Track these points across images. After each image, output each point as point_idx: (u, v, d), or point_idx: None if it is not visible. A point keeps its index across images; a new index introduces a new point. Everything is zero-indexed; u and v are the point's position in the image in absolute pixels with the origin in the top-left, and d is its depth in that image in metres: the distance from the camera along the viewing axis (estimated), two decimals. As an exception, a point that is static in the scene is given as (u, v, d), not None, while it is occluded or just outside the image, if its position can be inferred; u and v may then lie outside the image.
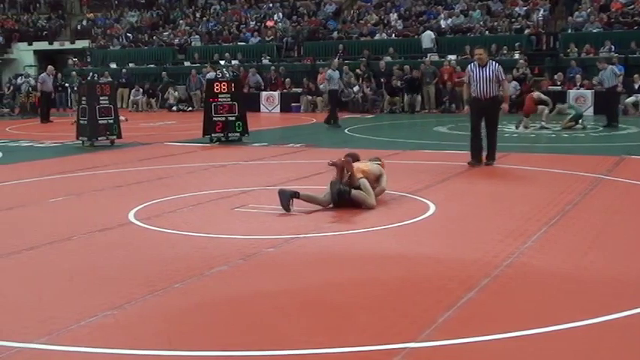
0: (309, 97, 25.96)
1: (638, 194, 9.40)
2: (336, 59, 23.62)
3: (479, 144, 11.94)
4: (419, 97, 24.59)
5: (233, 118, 15.91)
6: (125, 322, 4.84)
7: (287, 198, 8.13)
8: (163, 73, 29.54)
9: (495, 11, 28.88)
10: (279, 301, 5.21)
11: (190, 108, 27.35)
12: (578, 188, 9.41)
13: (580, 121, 18.42)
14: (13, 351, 4.32)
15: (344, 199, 8.27)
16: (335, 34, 29.98)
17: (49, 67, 26.19)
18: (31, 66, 35.22)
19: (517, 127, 18.40)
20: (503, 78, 11.92)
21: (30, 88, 27.30)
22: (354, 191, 8.29)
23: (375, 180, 8.72)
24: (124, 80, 28.98)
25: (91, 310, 4.97)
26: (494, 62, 12.06)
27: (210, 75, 23.58)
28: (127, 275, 5.93)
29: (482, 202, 8.93)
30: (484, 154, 11.89)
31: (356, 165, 8.60)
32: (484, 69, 11.71)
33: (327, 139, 16.67)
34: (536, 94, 19.40)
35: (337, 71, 21.13)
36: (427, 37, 27.10)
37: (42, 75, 25.86)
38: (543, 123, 18.46)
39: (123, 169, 12.24)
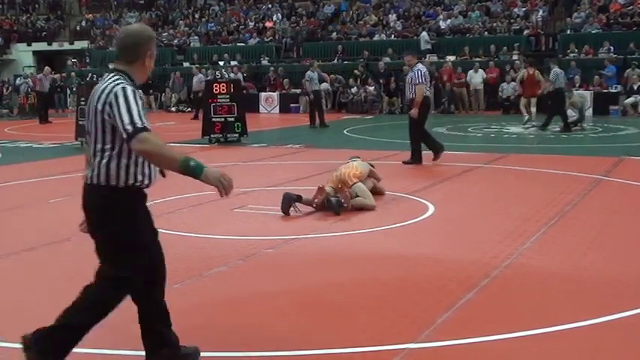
0: (308, 98, 25.93)
1: (637, 195, 9.40)
2: (316, 62, 23.58)
3: (426, 141, 12.29)
4: None
5: (232, 119, 15.92)
6: (124, 323, 4.83)
7: (287, 202, 8.09)
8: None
9: (494, 12, 28.90)
10: (279, 301, 5.21)
11: (189, 109, 27.34)
12: (577, 189, 9.42)
13: (579, 123, 18.38)
14: (12, 352, 4.31)
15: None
16: (334, 34, 29.98)
17: (46, 68, 26.18)
18: (30, 67, 35.21)
19: (526, 124, 18.51)
20: (419, 82, 12.01)
21: (29, 89, 27.29)
22: (352, 202, 8.29)
23: (370, 177, 8.78)
24: None
25: (91, 310, 4.96)
26: (418, 67, 12.20)
27: (200, 77, 23.63)
28: (126, 276, 5.92)
29: (481, 202, 8.93)
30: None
31: (348, 170, 8.60)
32: (409, 73, 12.24)
33: (326, 140, 16.67)
34: (536, 72, 19.25)
35: (316, 72, 21.16)
36: (422, 39, 27.12)
37: (38, 76, 25.78)
38: (533, 115, 18.82)
39: (122, 169, 12.22)
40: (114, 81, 3.62)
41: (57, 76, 28.75)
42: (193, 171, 3.50)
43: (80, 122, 15.94)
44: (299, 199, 8.18)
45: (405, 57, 12.60)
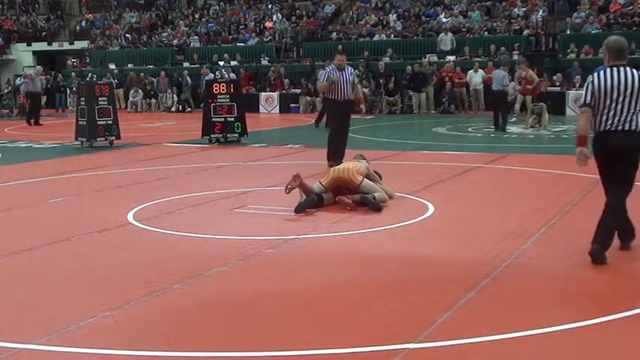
0: (308, 98, 25.95)
1: (637, 195, 9.38)
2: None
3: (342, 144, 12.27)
4: (424, 96, 24.56)
5: (232, 119, 15.92)
6: (124, 323, 4.84)
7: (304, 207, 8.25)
8: (142, 74, 29.73)
9: (494, 12, 28.90)
10: (279, 301, 5.21)
11: (189, 109, 27.36)
12: (577, 189, 9.41)
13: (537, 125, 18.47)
14: (12, 352, 4.32)
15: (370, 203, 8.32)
16: (334, 34, 29.98)
17: (38, 67, 25.88)
18: (30, 67, 35.19)
19: (528, 126, 18.51)
20: (357, 82, 12.49)
21: (28, 89, 27.14)
22: (377, 195, 8.33)
23: (367, 177, 8.84)
24: (116, 81, 28.73)
25: (90, 310, 4.97)
26: (349, 67, 12.25)
27: (211, 77, 23.63)
28: (125, 276, 5.92)
29: (481, 202, 8.92)
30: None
31: (351, 166, 8.66)
32: (343, 72, 11.93)
33: (326, 140, 16.62)
34: (529, 73, 19.45)
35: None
36: (447, 39, 26.87)
37: (29, 75, 25.18)
38: (515, 112, 19.55)
39: (122, 169, 12.24)
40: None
41: (43, 77, 28.15)
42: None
43: (80, 122, 15.95)
44: (318, 201, 8.34)
45: (339, 55, 12.00)
